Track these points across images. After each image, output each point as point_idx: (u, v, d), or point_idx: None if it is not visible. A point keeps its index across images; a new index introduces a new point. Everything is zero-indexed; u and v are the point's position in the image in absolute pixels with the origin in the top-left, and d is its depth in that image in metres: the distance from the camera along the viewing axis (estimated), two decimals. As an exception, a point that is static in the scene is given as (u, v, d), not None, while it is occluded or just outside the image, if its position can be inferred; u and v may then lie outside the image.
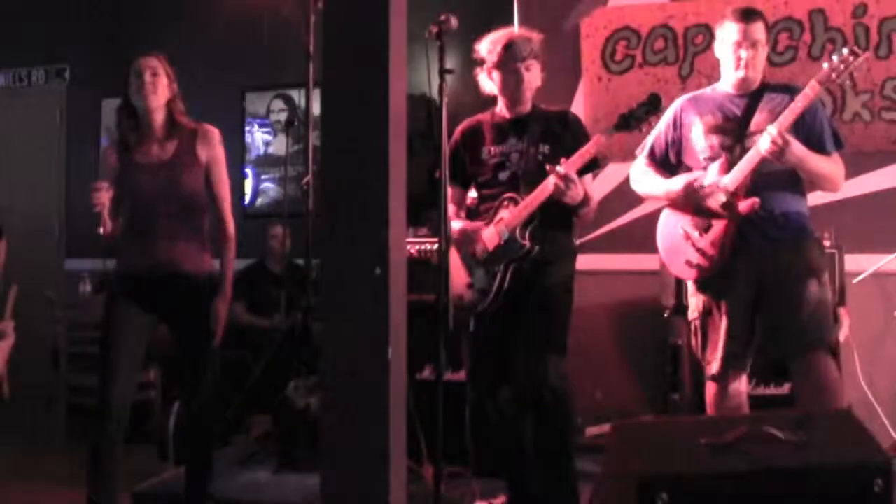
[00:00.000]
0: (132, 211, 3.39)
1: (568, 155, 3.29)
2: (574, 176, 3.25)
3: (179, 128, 3.45)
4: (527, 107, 3.49)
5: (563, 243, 3.48)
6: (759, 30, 3.21)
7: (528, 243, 3.35)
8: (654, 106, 3.28)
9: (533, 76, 3.44)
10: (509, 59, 3.39)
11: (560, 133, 3.44)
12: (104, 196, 3.30)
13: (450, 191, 3.54)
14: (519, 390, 3.40)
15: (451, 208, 3.56)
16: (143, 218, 3.39)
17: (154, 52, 3.46)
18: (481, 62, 3.46)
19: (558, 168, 3.23)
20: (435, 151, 3.11)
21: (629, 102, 3.39)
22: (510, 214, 3.37)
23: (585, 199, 3.37)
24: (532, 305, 3.37)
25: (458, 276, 3.46)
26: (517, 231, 3.36)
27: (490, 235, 3.42)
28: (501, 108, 3.52)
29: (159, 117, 3.43)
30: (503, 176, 3.45)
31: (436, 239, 3.49)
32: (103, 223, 3.32)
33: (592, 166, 3.42)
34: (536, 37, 3.46)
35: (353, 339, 3.02)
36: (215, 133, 3.50)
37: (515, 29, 3.48)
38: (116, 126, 3.50)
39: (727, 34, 3.24)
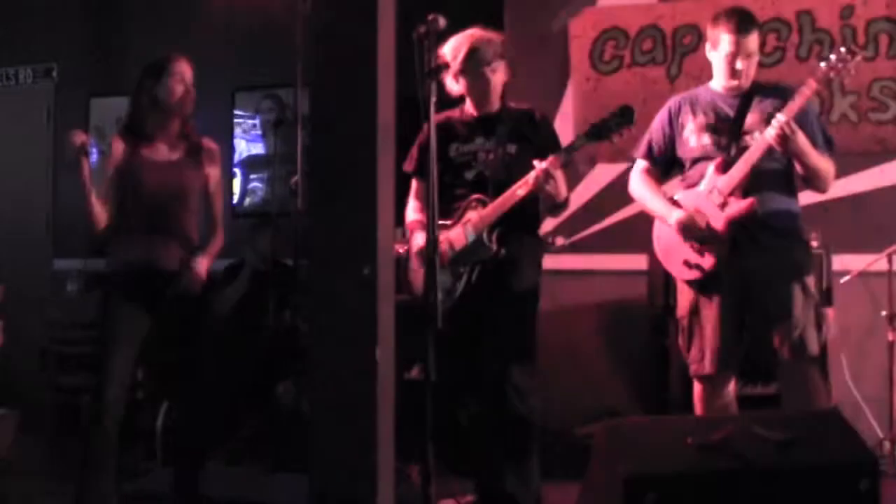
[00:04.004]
0: (133, 205, 3.39)
1: (535, 155, 3.30)
2: (555, 172, 3.26)
3: (188, 136, 3.52)
4: (495, 106, 3.50)
5: (529, 245, 3.48)
6: (753, 41, 3.20)
7: (494, 246, 3.35)
8: (626, 118, 3.27)
9: (499, 77, 3.46)
10: (474, 65, 3.41)
11: (528, 133, 3.45)
12: (81, 136, 3.30)
13: (414, 184, 3.61)
14: (484, 391, 3.41)
15: (416, 203, 3.59)
16: (145, 213, 3.40)
17: (185, 55, 3.51)
18: (446, 66, 3.40)
19: (542, 163, 3.24)
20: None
21: (618, 103, 3.39)
22: (478, 216, 3.37)
23: (566, 200, 3.44)
24: (498, 307, 3.37)
25: (422, 275, 3.46)
26: (484, 233, 3.35)
27: (457, 236, 3.41)
28: (469, 107, 3.53)
29: (177, 122, 3.48)
30: (469, 175, 3.45)
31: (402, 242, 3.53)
32: (95, 215, 3.32)
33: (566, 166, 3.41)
34: (497, 38, 3.48)
35: (341, 338, 3.03)
36: (217, 151, 3.60)
37: (476, 31, 3.45)
38: (135, 115, 3.48)
39: (722, 44, 3.22)
